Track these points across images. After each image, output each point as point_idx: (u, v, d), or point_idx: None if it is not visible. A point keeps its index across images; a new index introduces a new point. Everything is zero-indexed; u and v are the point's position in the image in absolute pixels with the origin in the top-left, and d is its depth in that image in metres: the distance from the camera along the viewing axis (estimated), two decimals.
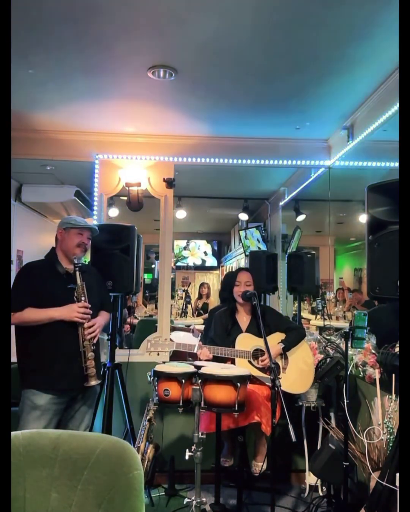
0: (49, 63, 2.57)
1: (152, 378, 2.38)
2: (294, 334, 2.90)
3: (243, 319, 2.96)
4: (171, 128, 3.59)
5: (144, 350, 2.89)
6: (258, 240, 5.74)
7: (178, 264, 8.38)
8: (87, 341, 2.43)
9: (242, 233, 6.00)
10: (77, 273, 2.47)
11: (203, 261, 8.57)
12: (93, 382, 2.43)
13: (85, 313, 2.44)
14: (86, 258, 2.93)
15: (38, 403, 2.37)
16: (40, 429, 2.11)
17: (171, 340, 2.72)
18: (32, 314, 2.40)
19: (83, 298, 2.46)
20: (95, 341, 2.50)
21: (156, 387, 2.37)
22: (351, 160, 3.66)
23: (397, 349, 2.48)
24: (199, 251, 8.49)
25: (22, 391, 2.43)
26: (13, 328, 2.45)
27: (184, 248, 8.42)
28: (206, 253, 8.52)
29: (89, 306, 2.47)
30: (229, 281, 3.06)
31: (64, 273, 2.53)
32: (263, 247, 5.49)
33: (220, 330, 2.92)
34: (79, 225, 2.56)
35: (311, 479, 3.06)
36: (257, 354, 2.76)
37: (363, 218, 3.83)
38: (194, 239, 8.46)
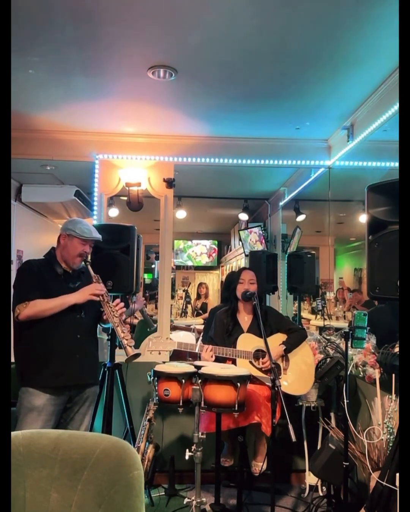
0: (49, 63, 2.57)
1: (152, 378, 2.38)
2: (296, 335, 2.89)
3: (244, 319, 2.96)
4: (171, 128, 3.59)
5: (145, 349, 2.89)
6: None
7: (178, 264, 8.38)
8: (117, 318, 2.43)
9: (242, 233, 6.00)
10: (89, 267, 2.53)
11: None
12: (132, 352, 2.35)
13: (98, 290, 2.46)
14: None
15: (36, 404, 2.36)
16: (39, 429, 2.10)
17: (172, 339, 2.72)
18: (46, 302, 2.39)
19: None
20: (124, 318, 2.52)
21: (156, 387, 2.37)
22: (351, 160, 3.66)
23: (397, 349, 2.48)
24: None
25: (19, 390, 2.41)
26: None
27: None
28: (210, 257, 8.45)
29: (102, 288, 2.50)
30: (232, 280, 3.06)
31: (62, 273, 2.54)
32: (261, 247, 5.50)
33: (220, 330, 2.92)
34: (83, 237, 2.51)
35: (311, 479, 3.06)
36: (258, 354, 2.76)
37: (363, 218, 3.83)
38: (197, 240, 8.41)
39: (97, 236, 2.60)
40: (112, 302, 2.49)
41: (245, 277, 2.92)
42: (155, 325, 3.87)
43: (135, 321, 4.82)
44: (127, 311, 3.74)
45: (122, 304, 2.53)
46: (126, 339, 2.36)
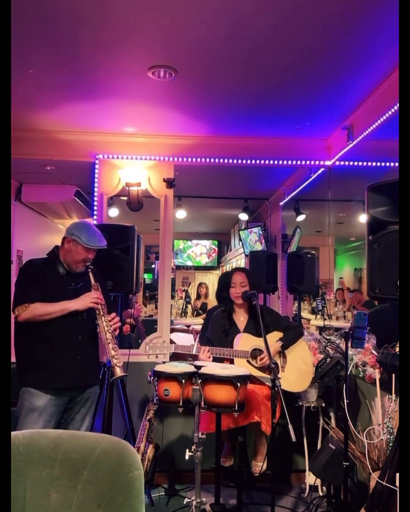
0: (49, 63, 2.57)
1: (152, 378, 2.38)
2: (292, 332, 2.90)
3: (240, 319, 2.96)
4: (171, 128, 3.59)
5: (143, 352, 2.89)
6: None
7: (178, 264, 8.38)
8: (110, 334, 2.40)
9: (242, 233, 6.00)
10: (91, 274, 2.49)
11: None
12: (120, 373, 2.36)
13: (99, 299, 2.44)
14: None
15: (37, 404, 2.36)
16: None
17: (171, 341, 2.71)
18: (46, 306, 2.38)
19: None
20: (117, 333, 2.50)
21: (156, 387, 2.36)
22: (351, 160, 3.67)
23: (397, 349, 2.48)
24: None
25: (20, 390, 2.41)
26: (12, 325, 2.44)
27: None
28: (210, 257, 8.46)
29: (102, 297, 2.47)
30: (225, 281, 3.06)
31: (64, 274, 2.53)
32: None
33: (217, 331, 2.92)
34: (88, 246, 2.49)
35: (311, 479, 3.05)
36: (255, 354, 2.76)
37: (363, 218, 3.83)
38: (197, 240, 8.42)
39: (103, 244, 2.58)
40: (108, 316, 2.46)
41: (236, 281, 2.91)
42: (146, 337, 3.89)
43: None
44: (127, 313, 3.75)
45: (117, 319, 2.50)
46: (116, 358, 2.35)
